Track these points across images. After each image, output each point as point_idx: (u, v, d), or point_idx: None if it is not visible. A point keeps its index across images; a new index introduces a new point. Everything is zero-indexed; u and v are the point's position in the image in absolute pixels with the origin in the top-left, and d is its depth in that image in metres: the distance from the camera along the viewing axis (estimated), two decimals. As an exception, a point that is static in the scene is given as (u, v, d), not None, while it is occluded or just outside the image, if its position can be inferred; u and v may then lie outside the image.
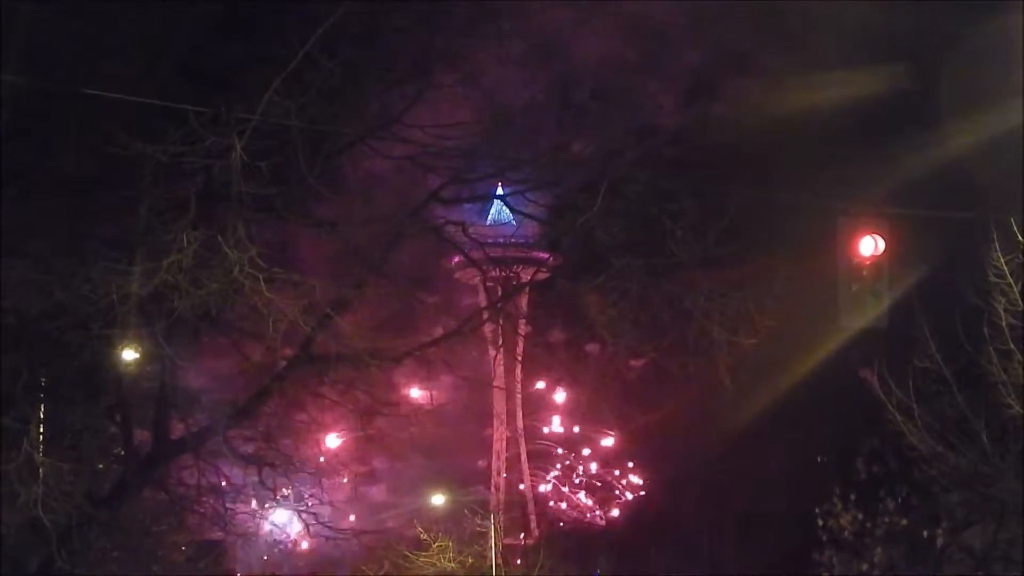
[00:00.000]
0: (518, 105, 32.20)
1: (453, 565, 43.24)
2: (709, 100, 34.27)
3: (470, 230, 32.66)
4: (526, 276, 42.69)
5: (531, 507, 53.66)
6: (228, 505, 30.06)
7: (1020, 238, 26.92)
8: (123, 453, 28.22)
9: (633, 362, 51.40)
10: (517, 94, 32.10)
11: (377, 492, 48.72)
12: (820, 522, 34.35)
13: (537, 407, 56.27)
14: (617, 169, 30.48)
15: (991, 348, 27.89)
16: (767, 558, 42.25)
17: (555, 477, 55.87)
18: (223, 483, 29.80)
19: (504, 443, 53.63)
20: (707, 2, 32.72)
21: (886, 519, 33.88)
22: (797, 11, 32.23)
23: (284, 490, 31.45)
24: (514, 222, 36.83)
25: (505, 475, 53.08)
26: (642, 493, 53.98)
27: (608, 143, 31.83)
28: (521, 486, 58.03)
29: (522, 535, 51.38)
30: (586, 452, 58.33)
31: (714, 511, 44.72)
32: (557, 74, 32.35)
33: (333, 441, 43.15)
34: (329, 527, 32.07)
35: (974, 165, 30.60)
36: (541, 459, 57.00)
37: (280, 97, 24.27)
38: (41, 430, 24.45)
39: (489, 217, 41.39)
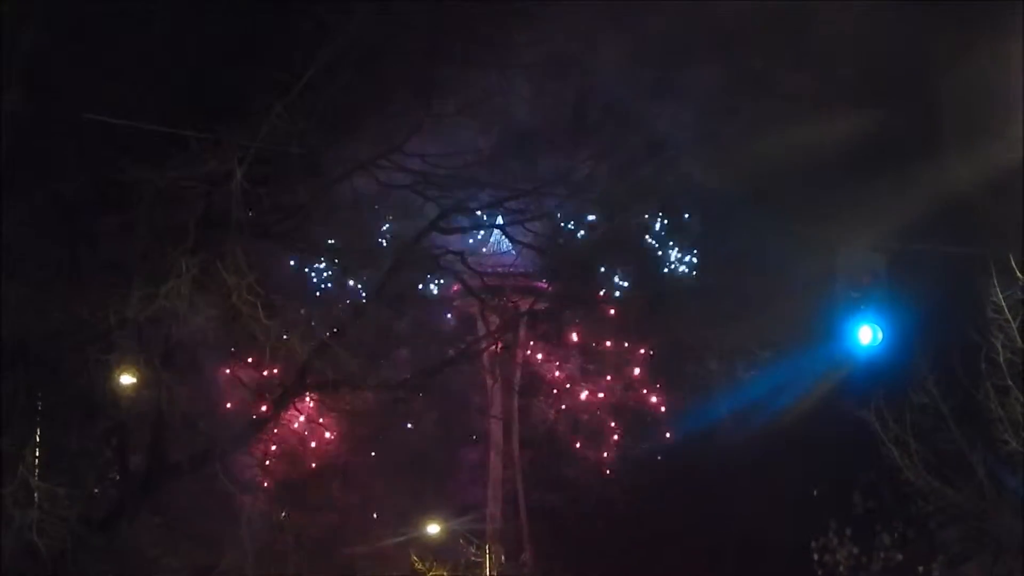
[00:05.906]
0: (520, 134, 32.31)
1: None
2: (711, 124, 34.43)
3: (469, 259, 32.71)
4: (524, 305, 42.56)
5: (526, 533, 53.32)
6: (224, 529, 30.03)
7: (1019, 274, 26.89)
8: (119, 477, 28.17)
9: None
10: (519, 123, 32.19)
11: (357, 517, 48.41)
12: (816, 556, 34.24)
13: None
14: (615, 199, 30.60)
15: (989, 384, 27.83)
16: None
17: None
18: (219, 507, 29.79)
19: (500, 471, 53.28)
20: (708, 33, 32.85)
21: (882, 554, 33.77)
22: (794, 44, 32.32)
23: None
24: (513, 251, 36.77)
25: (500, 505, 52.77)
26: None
27: (610, 169, 31.94)
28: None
29: (522, 562, 51.12)
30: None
31: (709, 544, 44.47)
32: (561, 102, 32.41)
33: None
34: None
35: (974, 199, 30.59)
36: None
37: (281, 123, 24.35)
38: (37, 454, 24.42)
39: (488, 246, 41.30)
